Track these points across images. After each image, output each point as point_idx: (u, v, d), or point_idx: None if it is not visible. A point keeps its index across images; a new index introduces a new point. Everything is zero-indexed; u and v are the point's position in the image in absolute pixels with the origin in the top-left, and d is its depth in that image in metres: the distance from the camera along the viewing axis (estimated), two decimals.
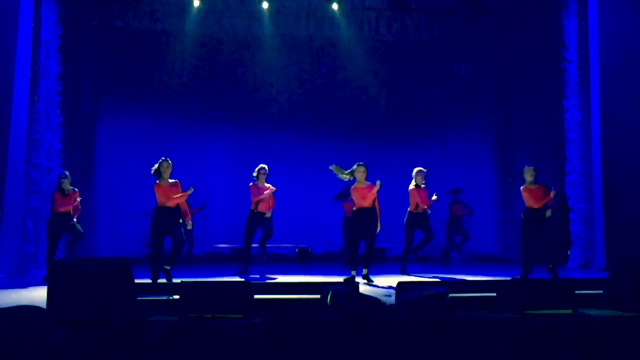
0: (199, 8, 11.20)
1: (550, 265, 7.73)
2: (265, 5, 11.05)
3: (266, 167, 8.84)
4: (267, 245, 9.18)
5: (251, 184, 8.72)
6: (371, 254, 7.85)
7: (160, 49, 11.87)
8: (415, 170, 8.96)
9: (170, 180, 7.47)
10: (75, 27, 10.55)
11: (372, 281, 7.51)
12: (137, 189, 11.45)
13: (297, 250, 11.41)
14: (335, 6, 11.07)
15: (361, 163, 7.82)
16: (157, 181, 7.41)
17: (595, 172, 9.05)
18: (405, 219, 8.87)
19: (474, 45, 12.13)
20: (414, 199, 8.76)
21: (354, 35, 12.05)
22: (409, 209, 8.85)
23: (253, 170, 11.61)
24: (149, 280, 7.09)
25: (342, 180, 9.39)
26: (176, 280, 6.78)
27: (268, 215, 8.67)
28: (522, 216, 7.93)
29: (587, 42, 9.27)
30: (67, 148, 10.04)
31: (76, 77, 10.62)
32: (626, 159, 8.66)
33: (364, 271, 7.72)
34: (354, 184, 7.85)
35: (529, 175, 7.88)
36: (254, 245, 8.89)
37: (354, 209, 7.82)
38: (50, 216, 8.42)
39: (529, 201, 7.82)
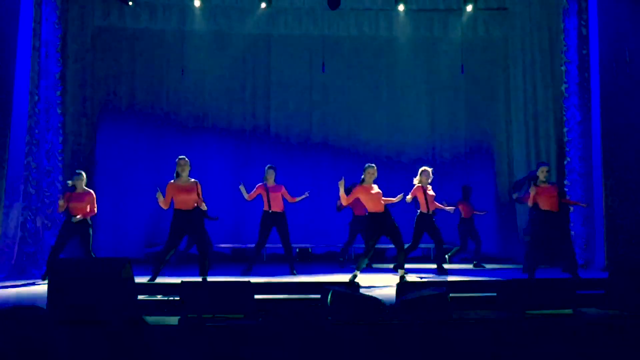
0: (199, 9, 11.21)
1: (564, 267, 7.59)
2: (263, 5, 11.04)
3: (274, 166, 8.81)
4: (269, 246, 9.11)
5: (259, 184, 8.73)
6: (402, 254, 7.58)
7: (160, 49, 11.86)
8: (420, 169, 8.94)
9: (191, 180, 7.30)
10: (76, 28, 10.56)
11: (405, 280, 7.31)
12: (137, 188, 11.46)
13: (297, 250, 11.40)
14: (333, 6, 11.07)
15: (372, 164, 7.68)
16: (171, 180, 7.28)
17: (596, 172, 9.05)
18: (415, 220, 8.85)
19: (473, 44, 12.12)
20: (416, 197, 8.73)
21: (353, 34, 12.06)
22: (419, 210, 8.81)
23: (252, 170, 11.65)
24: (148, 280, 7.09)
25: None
26: (176, 280, 6.78)
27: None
28: (529, 217, 7.73)
29: (588, 41, 9.27)
30: (67, 148, 10.04)
31: (76, 77, 10.61)
32: (627, 159, 8.66)
33: (400, 272, 7.48)
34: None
35: (541, 174, 7.64)
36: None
37: (367, 212, 7.67)
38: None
39: (540, 202, 7.57)
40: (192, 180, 7.32)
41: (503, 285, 5.78)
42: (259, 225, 8.69)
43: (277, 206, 8.61)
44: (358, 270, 7.50)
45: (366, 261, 7.68)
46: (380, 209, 7.55)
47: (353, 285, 6.17)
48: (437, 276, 8.38)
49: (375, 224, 7.54)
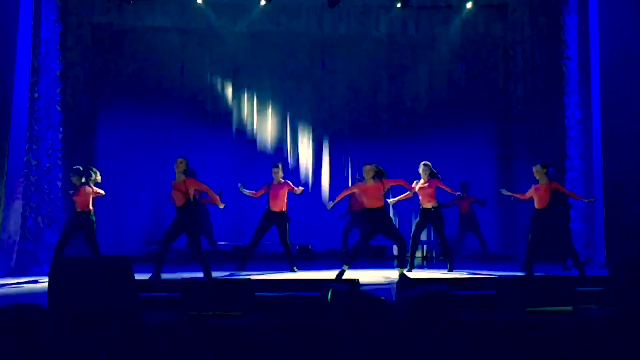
0: (200, 5, 11.21)
1: (565, 264, 7.72)
2: (262, 2, 11.06)
3: (279, 164, 8.76)
4: (269, 242, 9.11)
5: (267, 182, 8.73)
6: (404, 249, 7.60)
7: (160, 45, 11.86)
8: None
9: (182, 178, 7.38)
10: (76, 25, 10.55)
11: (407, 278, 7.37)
12: (137, 186, 11.47)
13: (297, 247, 11.40)
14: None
15: (367, 163, 7.78)
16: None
17: (596, 170, 9.05)
18: None
19: (473, 42, 12.12)
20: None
21: (354, 32, 12.05)
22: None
23: (253, 167, 11.66)
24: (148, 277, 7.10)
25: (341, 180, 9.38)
26: (177, 278, 6.80)
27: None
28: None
29: (588, 39, 9.26)
30: (67, 145, 10.03)
31: (76, 75, 10.61)
32: (627, 156, 8.66)
33: (400, 270, 7.55)
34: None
35: (535, 174, 7.84)
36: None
37: (363, 207, 7.73)
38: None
39: (534, 200, 7.85)
40: (182, 177, 7.37)
41: (503, 282, 5.78)
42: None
43: (276, 205, 8.56)
44: (346, 265, 7.53)
45: (354, 256, 7.65)
46: (372, 205, 7.57)
47: (353, 282, 6.18)
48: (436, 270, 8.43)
49: (367, 220, 7.59)
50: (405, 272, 7.56)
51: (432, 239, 11.16)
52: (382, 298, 5.28)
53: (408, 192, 8.48)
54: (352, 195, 10.12)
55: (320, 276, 7.74)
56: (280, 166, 8.71)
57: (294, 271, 8.42)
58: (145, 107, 11.79)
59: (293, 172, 11.92)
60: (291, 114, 12.22)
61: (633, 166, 8.62)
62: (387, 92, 12.35)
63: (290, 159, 12.04)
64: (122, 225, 11.37)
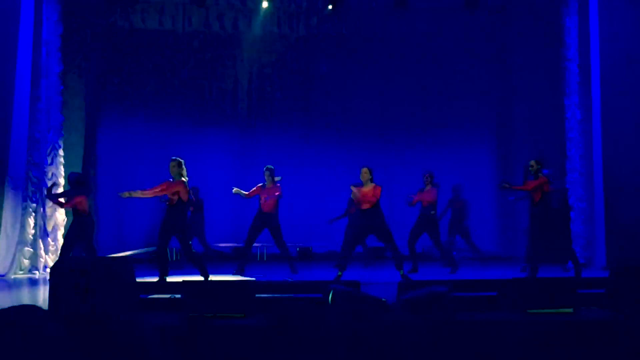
0: (199, 7, 11.22)
1: (566, 266, 7.70)
2: (265, 4, 11.09)
3: (270, 167, 8.75)
4: (269, 245, 9.07)
5: (259, 184, 8.72)
6: (397, 253, 7.62)
7: (160, 47, 11.87)
8: None
9: (176, 179, 7.30)
10: (77, 26, 10.55)
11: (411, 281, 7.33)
12: (138, 187, 11.44)
13: (298, 249, 11.39)
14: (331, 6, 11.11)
15: (363, 167, 7.82)
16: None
17: (597, 171, 9.04)
18: None
19: (474, 43, 12.13)
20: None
21: (354, 33, 12.07)
22: None
23: (253, 169, 11.65)
24: (150, 279, 7.10)
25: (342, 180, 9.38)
26: (178, 279, 6.80)
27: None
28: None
29: (588, 40, 9.26)
30: (68, 147, 10.03)
31: (77, 76, 10.61)
32: (627, 158, 8.65)
33: (401, 272, 7.59)
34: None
35: (530, 169, 7.80)
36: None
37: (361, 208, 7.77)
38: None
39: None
40: (179, 177, 7.28)
41: (504, 284, 5.78)
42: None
43: (267, 207, 8.55)
44: (340, 271, 7.54)
45: (345, 262, 7.66)
46: (365, 206, 7.62)
47: (354, 284, 6.17)
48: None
49: (358, 221, 7.62)
50: (406, 273, 7.55)
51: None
52: (383, 299, 5.28)
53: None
54: (350, 200, 10.14)
55: (321, 277, 7.74)
56: (271, 169, 8.68)
57: (295, 273, 8.41)
58: (145, 107, 11.81)
59: (294, 173, 11.90)
60: (291, 114, 12.22)
61: (634, 167, 8.61)
62: (388, 92, 12.35)
63: (290, 160, 12.03)
64: (123, 226, 11.37)
